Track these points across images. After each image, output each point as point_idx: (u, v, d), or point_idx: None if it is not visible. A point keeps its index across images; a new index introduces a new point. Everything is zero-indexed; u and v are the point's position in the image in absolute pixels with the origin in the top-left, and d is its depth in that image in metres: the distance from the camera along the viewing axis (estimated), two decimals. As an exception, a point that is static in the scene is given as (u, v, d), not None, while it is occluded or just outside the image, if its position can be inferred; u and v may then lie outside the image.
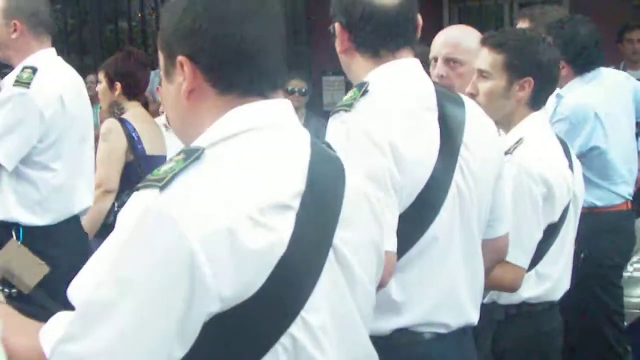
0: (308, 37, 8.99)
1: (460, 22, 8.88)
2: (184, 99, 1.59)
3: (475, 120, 2.41)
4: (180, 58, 1.58)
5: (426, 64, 3.36)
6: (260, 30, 1.58)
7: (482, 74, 2.99)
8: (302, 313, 1.50)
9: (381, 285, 2.14)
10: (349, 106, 2.20)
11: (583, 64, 4.40)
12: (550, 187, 2.90)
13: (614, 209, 4.46)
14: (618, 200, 4.47)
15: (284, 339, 1.48)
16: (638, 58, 7.41)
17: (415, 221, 2.23)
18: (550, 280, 3.05)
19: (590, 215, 4.32)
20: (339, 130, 2.19)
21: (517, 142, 2.92)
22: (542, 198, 2.89)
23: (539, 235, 2.94)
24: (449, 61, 3.30)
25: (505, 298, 3.02)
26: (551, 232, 2.98)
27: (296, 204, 1.51)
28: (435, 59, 3.36)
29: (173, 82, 1.62)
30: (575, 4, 8.89)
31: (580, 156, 4.35)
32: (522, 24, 4.46)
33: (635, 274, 5.25)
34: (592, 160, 4.38)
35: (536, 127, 3.00)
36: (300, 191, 1.53)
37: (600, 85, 4.45)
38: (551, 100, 4.33)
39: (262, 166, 1.51)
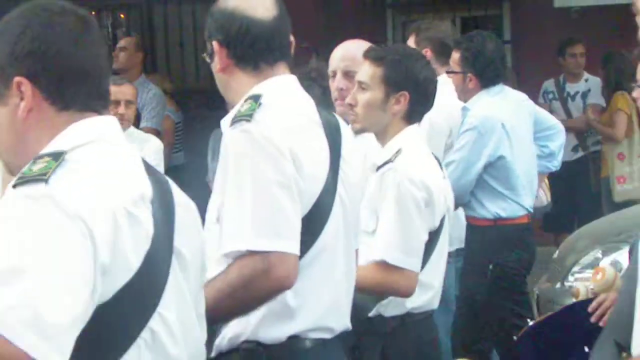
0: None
1: (404, 36, 8.93)
2: (22, 119, 1.67)
3: (348, 135, 2.55)
4: (17, 79, 1.66)
5: (326, 78, 3.58)
6: (92, 51, 1.70)
7: (361, 86, 3.10)
8: (159, 309, 1.63)
9: (287, 287, 2.26)
10: (249, 116, 2.27)
11: (490, 77, 4.58)
12: (431, 193, 3.00)
13: (518, 220, 4.61)
14: (521, 212, 4.62)
15: (145, 333, 1.61)
16: (580, 72, 7.54)
17: (308, 230, 2.31)
18: (432, 289, 3.13)
19: (496, 228, 4.55)
20: (242, 139, 2.26)
21: (396, 152, 3.02)
22: (424, 203, 2.98)
23: (425, 238, 3.02)
24: (348, 74, 3.44)
25: (391, 310, 3.08)
26: (431, 240, 3.07)
27: (149, 205, 1.63)
28: (334, 73, 3.51)
29: (7, 105, 1.69)
30: (515, 19, 9.00)
31: (488, 166, 4.53)
32: (411, 38, 4.72)
33: (576, 283, 5.34)
34: (498, 170, 4.54)
35: (412, 140, 3.10)
36: (150, 195, 1.65)
37: (505, 100, 4.65)
38: (457, 113, 4.54)
39: (115, 171, 1.63)
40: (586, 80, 7.53)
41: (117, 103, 5.18)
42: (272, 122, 2.28)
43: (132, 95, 5.27)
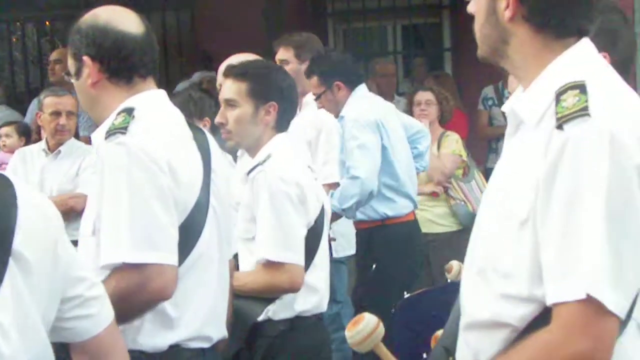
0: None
1: (345, 43, 9.00)
2: None
3: (215, 148, 2.59)
4: None
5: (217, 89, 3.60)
6: None
7: (229, 103, 3.16)
8: None
9: (165, 298, 2.29)
10: (124, 129, 2.31)
11: (354, 75, 4.76)
12: (302, 188, 3.07)
13: (405, 218, 4.74)
14: (407, 209, 4.75)
15: None
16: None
17: (184, 240, 2.34)
18: (319, 292, 3.18)
19: (383, 227, 4.67)
20: (117, 152, 2.29)
21: (266, 157, 3.10)
22: (297, 199, 3.05)
23: (304, 233, 3.09)
24: None
25: (280, 313, 3.12)
26: (313, 242, 3.13)
27: None
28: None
29: None
30: (454, 26, 9.10)
31: None
32: (286, 52, 4.68)
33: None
34: (383, 165, 4.66)
35: (282, 145, 3.18)
36: None
37: (372, 100, 4.86)
38: (334, 122, 4.61)
39: None
40: (525, 86, 7.64)
41: (58, 114, 5.12)
42: (147, 135, 2.32)
43: (72, 106, 5.22)
